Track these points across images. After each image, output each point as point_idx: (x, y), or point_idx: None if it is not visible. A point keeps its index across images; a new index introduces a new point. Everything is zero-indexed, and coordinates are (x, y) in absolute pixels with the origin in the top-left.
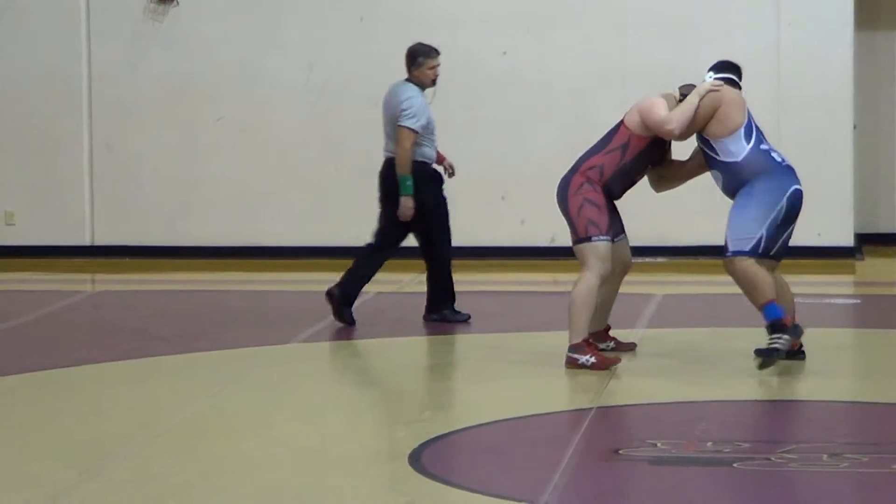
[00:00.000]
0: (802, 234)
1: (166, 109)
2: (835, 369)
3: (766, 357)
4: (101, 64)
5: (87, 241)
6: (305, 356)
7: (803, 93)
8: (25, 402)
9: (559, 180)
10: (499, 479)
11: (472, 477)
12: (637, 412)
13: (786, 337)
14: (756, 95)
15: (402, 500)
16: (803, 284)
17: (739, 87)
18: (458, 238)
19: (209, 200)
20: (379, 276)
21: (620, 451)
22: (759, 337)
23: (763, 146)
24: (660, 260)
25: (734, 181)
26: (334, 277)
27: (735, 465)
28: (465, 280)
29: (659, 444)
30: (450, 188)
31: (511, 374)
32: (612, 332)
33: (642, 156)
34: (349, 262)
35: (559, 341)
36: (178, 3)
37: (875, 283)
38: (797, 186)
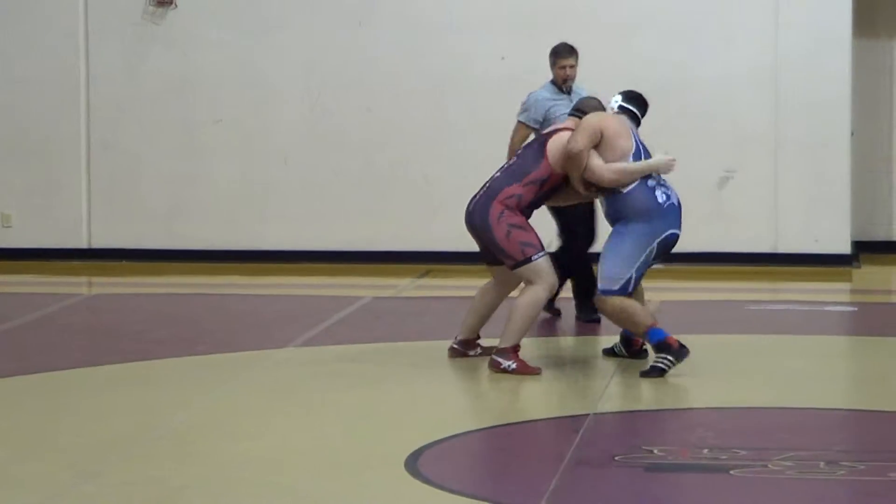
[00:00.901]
0: (800, 241)
1: (164, 111)
2: (831, 377)
3: (650, 376)
4: (99, 65)
5: (83, 244)
6: (303, 360)
7: (801, 99)
8: (22, 405)
9: (472, 202)
10: (495, 484)
11: (468, 482)
12: (633, 419)
13: (670, 358)
14: (754, 101)
15: None
16: (800, 291)
17: (638, 123)
18: (457, 244)
19: (207, 203)
20: (376, 280)
21: (616, 458)
22: (758, 343)
23: (650, 182)
24: (658, 266)
25: (615, 212)
26: (332, 281)
27: (732, 472)
28: (456, 285)
29: (655, 451)
30: (444, 192)
31: (508, 379)
32: (602, 339)
33: (559, 188)
34: (347, 266)
35: (556, 348)
36: (176, 5)
37: (872, 290)
38: (672, 231)
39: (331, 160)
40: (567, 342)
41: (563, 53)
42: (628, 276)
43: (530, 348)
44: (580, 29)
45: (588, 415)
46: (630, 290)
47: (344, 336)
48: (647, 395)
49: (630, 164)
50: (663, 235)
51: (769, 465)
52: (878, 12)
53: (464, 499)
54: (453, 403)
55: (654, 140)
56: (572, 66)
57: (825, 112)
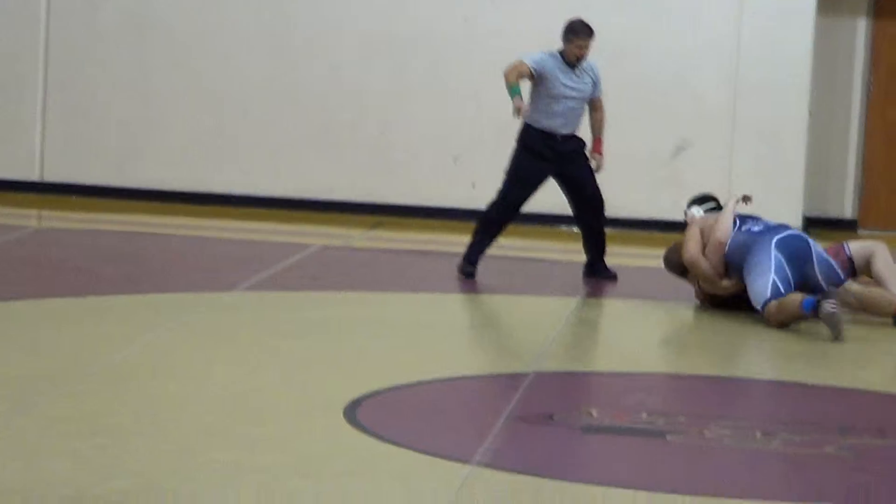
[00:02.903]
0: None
1: (125, 51)
2: (775, 350)
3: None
4: (59, 3)
5: (36, 177)
6: (248, 304)
7: (761, 77)
8: None
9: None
10: (432, 437)
11: (405, 434)
12: (574, 379)
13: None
14: (714, 78)
15: (334, 452)
16: None
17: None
18: (410, 197)
19: (161, 144)
20: (327, 229)
21: (554, 417)
22: (703, 313)
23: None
24: (610, 231)
25: (738, 265)
26: (282, 228)
27: (668, 437)
28: (406, 238)
29: (594, 412)
30: (401, 149)
31: (451, 334)
32: (548, 300)
33: None
34: (298, 214)
35: (500, 304)
36: None
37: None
38: (779, 236)
39: (289, 111)
40: (514, 300)
41: (582, 34)
42: (770, 285)
43: (476, 305)
44: None
45: (529, 373)
46: (780, 293)
47: (290, 283)
48: (590, 356)
49: (716, 228)
50: (774, 242)
51: (705, 433)
52: None
53: (400, 449)
54: (396, 355)
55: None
56: (588, 47)
57: (784, 88)
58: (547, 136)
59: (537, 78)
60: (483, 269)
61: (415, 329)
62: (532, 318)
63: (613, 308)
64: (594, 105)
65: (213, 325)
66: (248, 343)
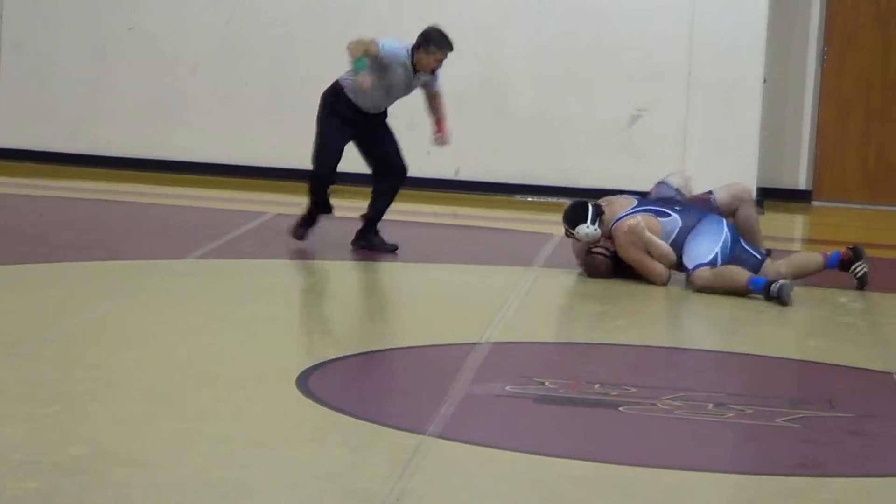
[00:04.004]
0: (706, 183)
1: (78, 14)
2: (726, 320)
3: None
4: None
5: None
6: (200, 272)
7: (715, 42)
8: None
9: None
10: (384, 407)
11: (357, 403)
12: (527, 350)
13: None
14: (668, 42)
15: (287, 421)
16: None
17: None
18: (360, 164)
19: (115, 109)
20: (281, 197)
21: (507, 388)
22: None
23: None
24: (563, 200)
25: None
26: (236, 195)
27: (620, 408)
28: (359, 207)
29: (546, 383)
30: None
31: (403, 304)
32: (503, 269)
33: None
34: (252, 181)
35: (454, 274)
36: None
37: (773, 237)
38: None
39: (242, 74)
40: (468, 269)
41: (444, 48)
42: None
43: (429, 275)
44: None
45: (482, 343)
46: (716, 264)
47: (243, 251)
48: (543, 327)
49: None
50: (725, 220)
51: (658, 404)
52: None
53: (352, 419)
54: (348, 324)
55: (568, 72)
56: (443, 61)
57: (739, 57)
58: (356, 109)
59: (377, 64)
60: (437, 237)
61: (367, 298)
62: (486, 287)
63: (568, 279)
64: (432, 94)
65: (165, 293)
66: (201, 311)
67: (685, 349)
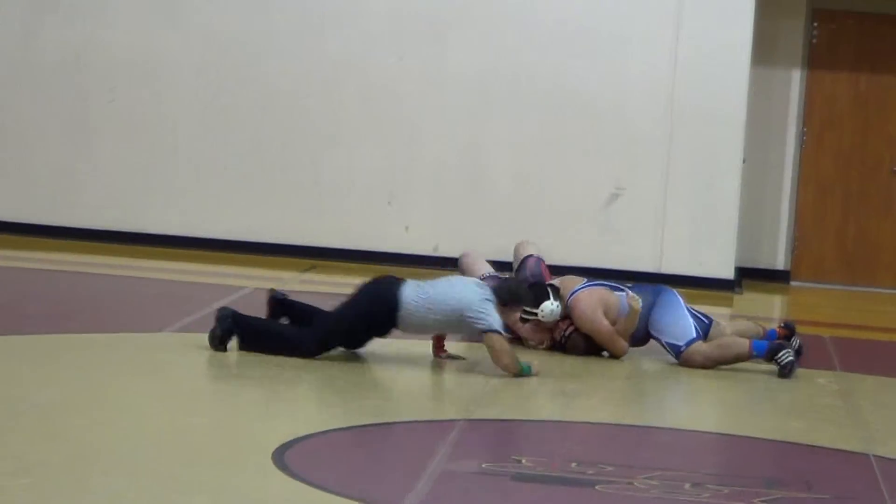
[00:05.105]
0: (684, 263)
1: (59, 83)
2: (704, 399)
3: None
4: None
5: None
6: (175, 346)
7: (695, 124)
8: None
9: None
10: (360, 483)
11: (334, 479)
12: (505, 427)
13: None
14: (648, 123)
15: (263, 497)
16: None
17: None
18: (344, 240)
19: (92, 180)
20: (261, 272)
21: (484, 465)
22: (623, 364)
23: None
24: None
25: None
26: (215, 269)
27: (597, 487)
28: (339, 282)
29: (523, 461)
30: (339, 189)
31: (382, 379)
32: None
33: None
34: (232, 255)
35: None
36: None
37: (749, 317)
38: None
39: (222, 148)
40: (448, 346)
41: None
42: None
43: (407, 350)
44: (476, 28)
45: (460, 420)
46: (700, 335)
47: None
48: (521, 404)
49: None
50: (674, 291)
51: (635, 483)
52: (778, 42)
53: (329, 495)
54: (326, 399)
55: (548, 147)
56: None
57: (718, 138)
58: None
59: None
60: None
61: (346, 373)
62: (465, 364)
63: (544, 357)
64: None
65: (141, 367)
66: (175, 385)
67: (661, 428)
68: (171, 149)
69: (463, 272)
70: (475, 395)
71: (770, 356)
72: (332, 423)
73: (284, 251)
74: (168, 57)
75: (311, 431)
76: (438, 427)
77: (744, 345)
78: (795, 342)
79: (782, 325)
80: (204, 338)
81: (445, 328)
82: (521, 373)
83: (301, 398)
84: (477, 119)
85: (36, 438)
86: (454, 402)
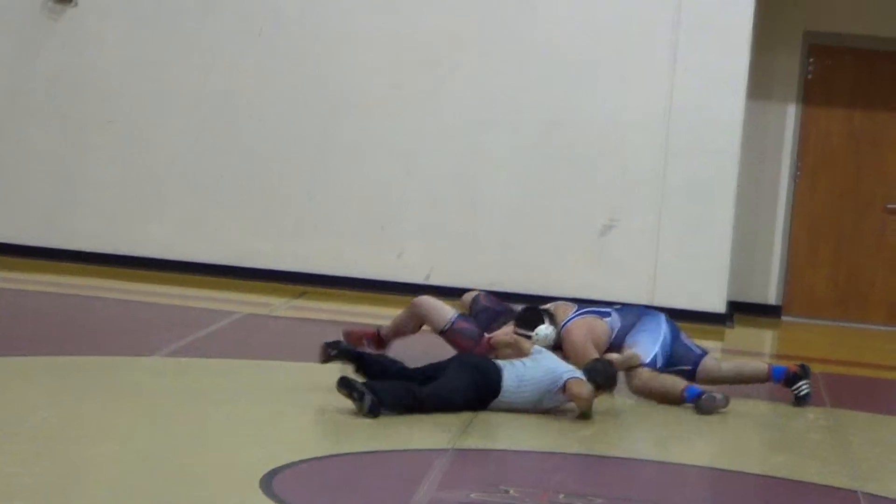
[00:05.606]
0: (676, 296)
1: (57, 106)
2: (691, 434)
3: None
4: None
5: None
6: (169, 370)
7: (689, 157)
8: None
9: None
10: None
11: None
12: (494, 457)
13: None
14: (643, 155)
15: None
16: None
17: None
18: (336, 267)
19: (90, 203)
20: (252, 297)
21: (472, 495)
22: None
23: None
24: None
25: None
26: (207, 294)
27: None
28: (330, 309)
29: (511, 492)
30: (331, 215)
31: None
32: None
33: None
34: (224, 280)
35: None
36: (76, 3)
37: (740, 351)
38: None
39: (216, 173)
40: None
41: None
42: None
43: None
44: (475, 57)
45: (449, 449)
46: (655, 366)
47: (212, 350)
48: (512, 434)
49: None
50: (664, 317)
51: None
52: (773, 76)
53: None
54: (314, 426)
55: (542, 177)
56: None
57: (713, 171)
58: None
59: None
60: (409, 341)
61: (334, 400)
62: None
63: None
64: None
65: (132, 390)
66: (166, 409)
67: (651, 461)
68: (164, 172)
69: (425, 318)
70: (464, 423)
71: (696, 401)
72: (320, 450)
73: (276, 276)
74: (162, 82)
75: (300, 458)
76: (427, 456)
77: (678, 386)
78: (804, 388)
79: (798, 364)
80: (194, 362)
81: (535, 397)
82: (588, 415)
83: (290, 424)
84: (472, 148)
85: (27, 460)
86: (443, 431)
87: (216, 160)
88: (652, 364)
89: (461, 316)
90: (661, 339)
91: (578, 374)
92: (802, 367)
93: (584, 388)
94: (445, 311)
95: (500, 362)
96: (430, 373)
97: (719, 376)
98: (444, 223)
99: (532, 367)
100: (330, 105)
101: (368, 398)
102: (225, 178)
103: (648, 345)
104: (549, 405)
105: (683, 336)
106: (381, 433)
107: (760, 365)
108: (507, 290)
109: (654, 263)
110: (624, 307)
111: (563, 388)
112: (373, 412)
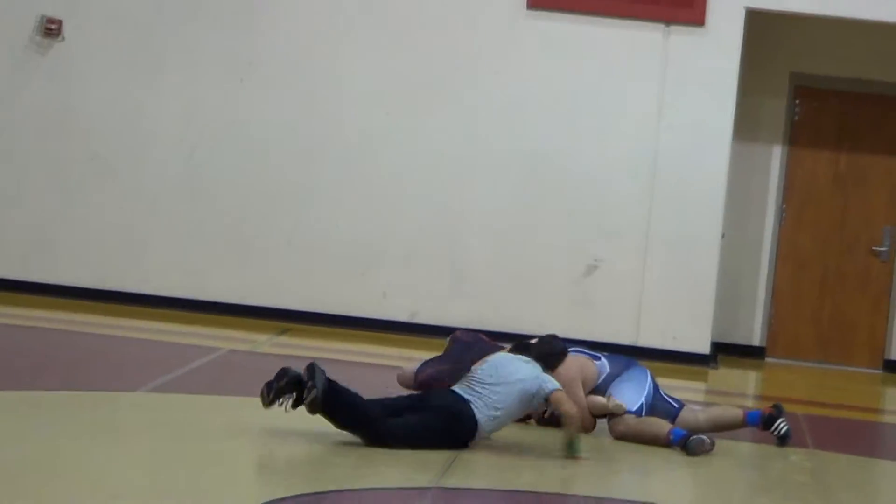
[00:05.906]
0: (660, 337)
1: (40, 142)
2: (676, 476)
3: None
4: None
5: None
6: (152, 405)
7: (675, 197)
8: None
9: None
10: None
11: None
12: (478, 496)
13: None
14: (628, 196)
15: None
16: None
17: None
18: (320, 304)
19: (73, 239)
20: (235, 333)
21: None
22: (597, 439)
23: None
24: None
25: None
26: (189, 330)
27: None
28: (312, 346)
29: None
30: (317, 252)
31: (356, 446)
32: None
33: None
34: (206, 316)
35: None
36: (63, 38)
37: (724, 392)
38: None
39: (200, 210)
40: None
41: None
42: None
43: None
44: (460, 102)
45: (433, 488)
46: (641, 415)
47: (195, 386)
48: (495, 473)
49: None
50: (648, 371)
51: None
52: (760, 118)
53: None
54: (299, 464)
55: (526, 217)
56: None
57: (698, 212)
58: None
59: None
60: (392, 379)
61: (321, 438)
62: None
63: (518, 427)
64: None
65: (115, 425)
66: (149, 445)
67: (633, 501)
68: (148, 209)
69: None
70: (448, 462)
71: (682, 443)
72: (303, 488)
73: (259, 313)
74: (147, 118)
75: (283, 495)
76: (410, 495)
77: (663, 429)
78: (782, 426)
79: (772, 405)
80: (179, 398)
81: (515, 415)
82: (576, 445)
83: (273, 462)
84: (456, 187)
85: (3, 495)
86: (427, 469)
87: (199, 197)
88: (638, 412)
89: (424, 363)
90: (647, 391)
91: (553, 383)
92: (776, 406)
93: (571, 405)
94: (408, 368)
95: (467, 396)
96: (405, 403)
97: (696, 427)
98: (428, 264)
99: (504, 394)
100: (312, 145)
101: (321, 381)
102: (207, 217)
103: (635, 394)
104: (531, 410)
105: (662, 391)
106: (363, 471)
107: (735, 411)
108: (491, 329)
109: (638, 305)
110: (612, 356)
111: (547, 400)
112: (325, 399)
